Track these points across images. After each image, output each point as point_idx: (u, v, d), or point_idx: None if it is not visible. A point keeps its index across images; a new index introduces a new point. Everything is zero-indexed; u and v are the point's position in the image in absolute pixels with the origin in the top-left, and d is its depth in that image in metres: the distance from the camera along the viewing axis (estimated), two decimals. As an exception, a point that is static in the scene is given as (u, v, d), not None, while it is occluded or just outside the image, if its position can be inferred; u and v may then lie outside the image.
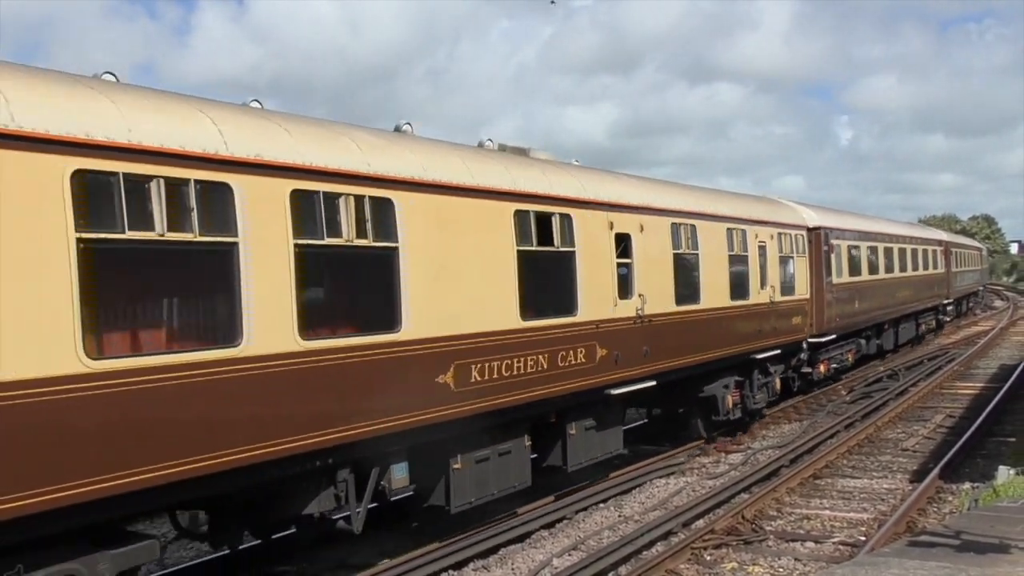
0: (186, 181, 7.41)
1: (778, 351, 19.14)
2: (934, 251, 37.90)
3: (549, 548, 11.63)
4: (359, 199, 9.03)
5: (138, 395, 6.96)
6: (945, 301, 39.88)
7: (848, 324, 24.11)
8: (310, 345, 8.42)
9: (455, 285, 10.22)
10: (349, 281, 9.48)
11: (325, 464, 8.85)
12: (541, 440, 12.60)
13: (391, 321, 9.42)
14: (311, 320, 8.47)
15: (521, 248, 11.29)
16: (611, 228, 13.23)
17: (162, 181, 7.21)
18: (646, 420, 18.25)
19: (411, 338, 9.58)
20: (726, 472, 15.70)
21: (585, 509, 13.38)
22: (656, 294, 14.24)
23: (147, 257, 7.23)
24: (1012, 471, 13.11)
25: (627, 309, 13.52)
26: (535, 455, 12.57)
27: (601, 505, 13.70)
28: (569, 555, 11.28)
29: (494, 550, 11.43)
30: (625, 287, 13.54)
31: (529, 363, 11.36)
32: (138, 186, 7.04)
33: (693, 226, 15.63)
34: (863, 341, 26.71)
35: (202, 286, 7.95)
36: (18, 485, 6.20)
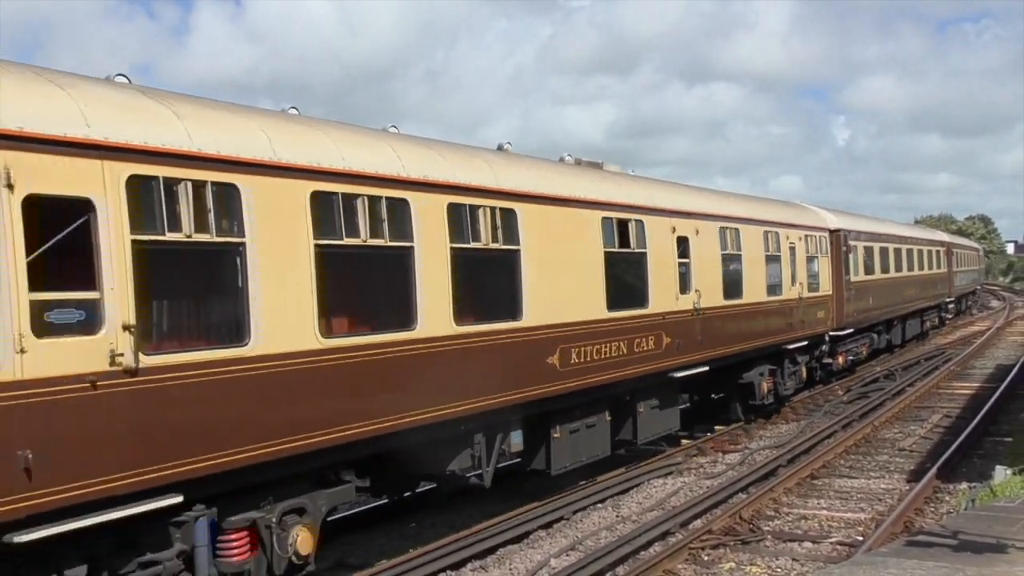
0: (380, 198, 9.32)
1: (805, 342, 20.99)
2: (937, 251, 39.82)
3: (547, 548, 11.61)
4: (492, 210, 10.98)
5: (354, 367, 8.92)
6: (947, 299, 41.74)
7: (863, 319, 25.78)
8: (461, 330, 10.38)
9: (559, 281, 12.13)
10: (489, 278, 11.30)
11: (466, 429, 10.75)
12: (616, 416, 14.08)
13: (515, 312, 11.35)
14: (462, 309, 10.32)
15: (607, 250, 13.23)
16: (673, 232, 15.18)
17: (365, 199, 9.17)
18: (688, 404, 18.91)
19: (530, 325, 11.53)
20: (723, 472, 15.68)
21: (583, 509, 13.36)
22: (708, 289, 16.10)
23: (357, 258, 9.19)
24: (1009, 471, 13.10)
25: (686, 302, 15.40)
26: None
27: (599, 505, 13.68)
28: (567, 555, 11.27)
29: (492, 550, 11.41)
30: (684, 283, 15.41)
31: (612, 348, 13.25)
32: (350, 203, 9.01)
33: (737, 230, 17.63)
34: (875, 335, 28.26)
35: (392, 281, 9.78)
36: (274, 434, 8.03)
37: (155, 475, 7.04)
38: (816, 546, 11.37)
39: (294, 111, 9.68)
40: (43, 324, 6.34)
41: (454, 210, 10.32)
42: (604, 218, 13.24)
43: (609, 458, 14.34)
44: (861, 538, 11.41)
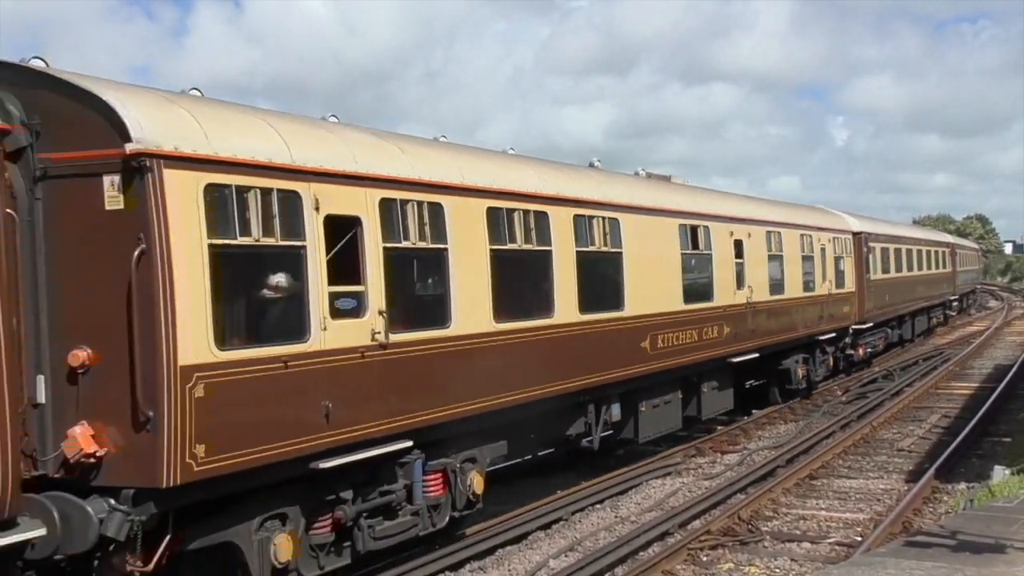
0: (528, 212, 11.88)
1: (833, 334, 23.95)
2: (943, 252, 42.55)
3: (546, 549, 11.64)
4: (603, 219, 13.57)
5: (515, 346, 11.41)
6: (951, 297, 44.58)
7: (880, 314, 28.50)
8: (585, 318, 12.89)
9: (650, 278, 14.76)
10: (601, 276, 13.76)
11: (583, 400, 13.30)
12: (685, 395, 16.70)
13: (619, 303, 13.95)
14: (588, 301, 12.97)
15: (683, 251, 16.03)
16: (731, 236, 17.93)
17: (520, 212, 11.71)
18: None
19: (630, 315, 14.12)
20: (722, 473, 15.72)
21: (582, 510, 13.39)
22: (758, 286, 18.89)
23: (515, 260, 11.70)
24: (1007, 471, 13.14)
25: (741, 297, 18.10)
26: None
27: (597, 506, 13.71)
28: (566, 556, 11.30)
29: (490, 551, 11.44)
30: (740, 280, 18.10)
31: (686, 336, 15.93)
32: (510, 215, 11.56)
33: (779, 233, 20.43)
34: (889, 330, 31.00)
35: (537, 277, 12.32)
36: (463, 396, 10.51)
37: (396, 424, 9.59)
38: (815, 546, 11.41)
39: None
40: (334, 309, 8.84)
41: (578, 220, 12.92)
42: (680, 225, 16.03)
43: (607, 458, 14.41)
44: (860, 538, 11.46)
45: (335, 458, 8.71)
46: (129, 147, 7.17)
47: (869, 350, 28.06)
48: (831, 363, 24.39)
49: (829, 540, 11.65)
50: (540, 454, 15.31)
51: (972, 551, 8.94)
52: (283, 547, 8.40)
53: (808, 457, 16.12)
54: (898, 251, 31.69)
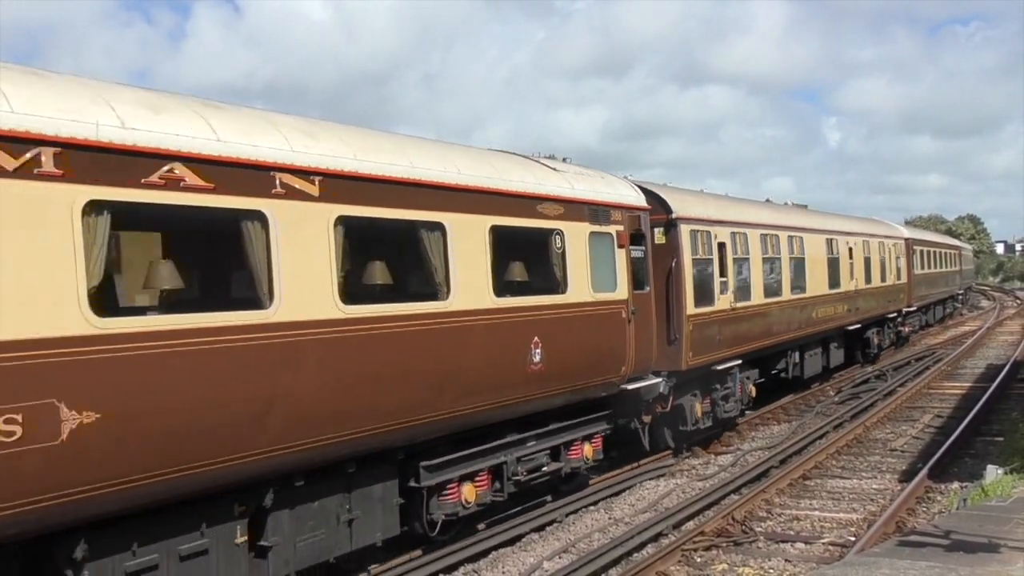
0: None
1: (894, 314, 32.34)
2: (954, 254, 51.69)
3: (540, 551, 11.63)
4: (799, 237, 21.85)
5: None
6: (958, 291, 53.61)
7: (921, 300, 37.74)
8: (793, 298, 21.13)
9: (815, 272, 22.86)
10: (797, 271, 21.54)
11: (788, 348, 21.72)
12: (823, 351, 24.70)
13: (803, 288, 21.91)
14: (794, 288, 21.17)
15: (828, 256, 23.98)
16: (847, 244, 26.05)
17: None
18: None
19: (809, 296, 22.37)
20: (716, 473, 15.73)
21: (575, 512, 13.39)
22: (860, 277, 27.20)
23: (773, 263, 20.06)
24: (1000, 470, 13.14)
25: (852, 285, 26.25)
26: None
27: (591, 508, 13.71)
28: (560, 558, 11.29)
29: (484, 553, 11.43)
30: (851, 273, 26.24)
31: (829, 311, 23.96)
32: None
33: (868, 241, 28.73)
34: (922, 315, 39.66)
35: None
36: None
37: (735, 351, 17.78)
38: (808, 547, 11.41)
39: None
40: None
41: (790, 238, 21.32)
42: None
43: (604, 459, 14.37)
44: (853, 538, 11.46)
45: (726, 363, 17.48)
46: (671, 216, 15.82)
47: (911, 329, 36.22)
48: (893, 336, 33.21)
49: (823, 540, 11.65)
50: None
51: (966, 550, 8.93)
52: (696, 408, 16.66)
53: (801, 457, 16.15)
54: (930, 252, 41.27)
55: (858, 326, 26.95)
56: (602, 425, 13.58)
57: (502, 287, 11.18)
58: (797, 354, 22.14)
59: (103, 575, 6.97)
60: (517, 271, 11.83)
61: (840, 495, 14.00)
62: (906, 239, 35.25)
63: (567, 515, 13.17)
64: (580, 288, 12.26)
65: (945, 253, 47.06)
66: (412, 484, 10.29)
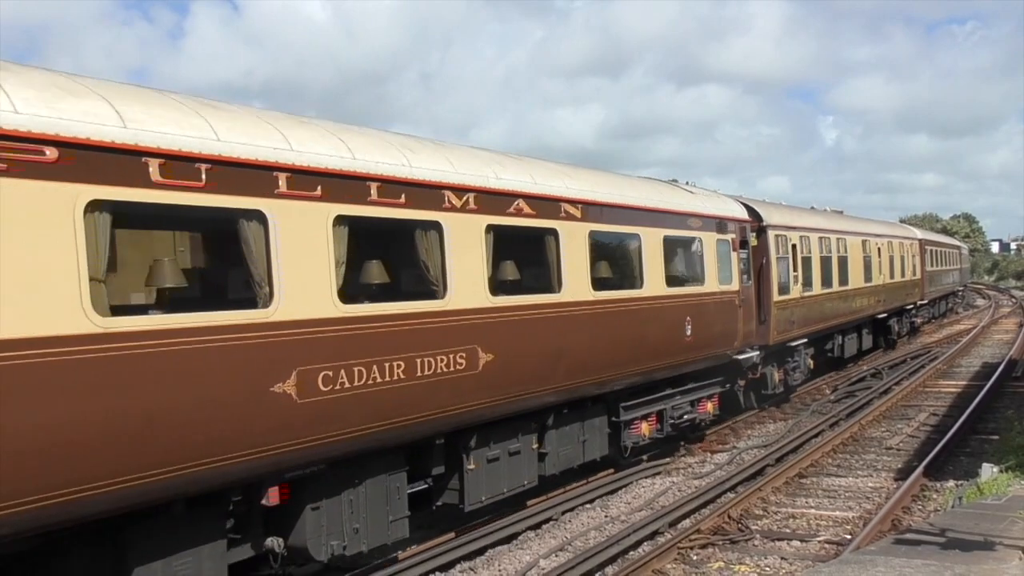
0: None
1: (910, 306, 36.51)
2: (956, 252, 55.35)
3: (536, 549, 11.63)
4: (843, 239, 25.84)
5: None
6: (959, 286, 57.39)
7: (932, 294, 41.96)
8: (837, 290, 25.20)
9: (854, 268, 26.90)
10: (841, 268, 25.30)
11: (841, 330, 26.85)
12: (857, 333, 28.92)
13: (845, 281, 25.75)
14: (841, 282, 25.43)
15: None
16: (875, 245, 30.24)
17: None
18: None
19: (850, 288, 26.32)
20: (712, 472, 15.74)
21: (572, 510, 13.40)
22: (885, 274, 31.46)
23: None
24: (996, 468, 13.15)
25: (880, 279, 30.60)
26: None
27: (587, 506, 13.71)
28: (556, 556, 11.30)
29: (480, 551, 11.44)
30: (880, 270, 30.46)
31: (865, 300, 28.37)
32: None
33: (890, 242, 32.88)
34: (930, 308, 43.21)
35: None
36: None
37: (803, 331, 21.87)
38: (804, 545, 11.42)
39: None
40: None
41: (837, 240, 25.40)
42: (861, 240, 27.83)
43: (602, 458, 14.39)
44: (849, 536, 11.47)
45: (797, 340, 21.10)
46: (762, 224, 19.40)
47: (922, 320, 40.08)
48: (908, 326, 37.00)
49: (819, 538, 11.67)
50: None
51: (961, 548, 8.94)
52: (775, 376, 20.56)
53: (797, 456, 16.14)
54: (938, 252, 45.02)
55: (884, 315, 31.40)
56: (717, 388, 17.48)
57: (669, 280, 14.70)
58: (840, 337, 26.63)
59: (478, 456, 11.26)
60: (676, 268, 15.34)
61: (836, 493, 14.01)
62: (919, 240, 39.83)
63: (563, 513, 13.18)
64: (712, 281, 16.42)
65: (949, 252, 51.01)
66: (614, 419, 14.28)
